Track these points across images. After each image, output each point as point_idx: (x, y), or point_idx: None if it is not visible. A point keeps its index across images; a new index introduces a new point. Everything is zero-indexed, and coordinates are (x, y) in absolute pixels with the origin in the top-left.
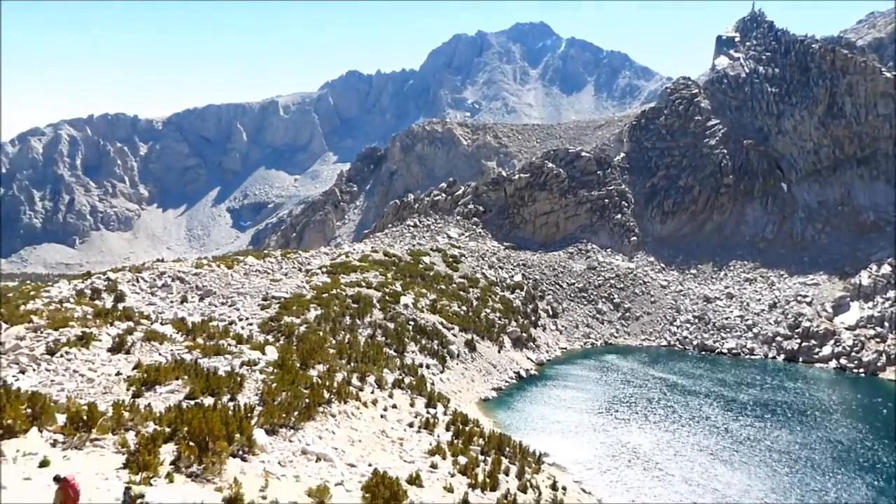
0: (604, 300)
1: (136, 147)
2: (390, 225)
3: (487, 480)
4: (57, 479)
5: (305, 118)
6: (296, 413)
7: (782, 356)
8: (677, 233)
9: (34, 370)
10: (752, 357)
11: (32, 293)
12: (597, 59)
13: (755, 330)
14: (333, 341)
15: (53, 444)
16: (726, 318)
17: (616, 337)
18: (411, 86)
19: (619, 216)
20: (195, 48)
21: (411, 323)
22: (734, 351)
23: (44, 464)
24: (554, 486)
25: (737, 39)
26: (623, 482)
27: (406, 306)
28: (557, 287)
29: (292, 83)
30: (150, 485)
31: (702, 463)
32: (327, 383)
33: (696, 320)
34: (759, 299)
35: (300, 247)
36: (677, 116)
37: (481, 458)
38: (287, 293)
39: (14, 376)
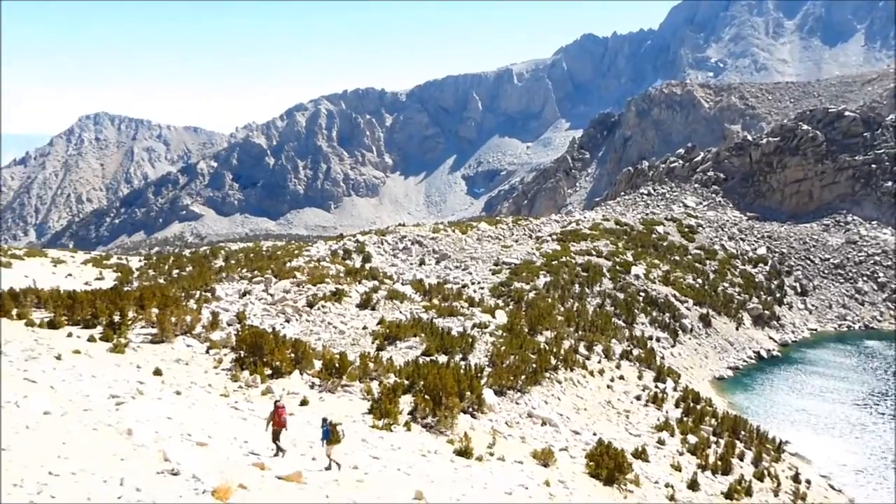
0: (865, 279)
1: (383, 118)
2: (622, 193)
3: (719, 463)
4: (276, 403)
5: (539, 85)
6: (523, 377)
7: None
8: None
9: (297, 320)
10: None
11: (296, 252)
12: (870, 2)
13: None
14: (562, 308)
15: (311, 387)
16: None
17: (879, 321)
18: (649, 46)
19: (889, 184)
20: (435, 20)
21: (642, 294)
22: None
23: (303, 402)
24: (796, 478)
25: None
26: (883, 485)
27: (637, 277)
28: (808, 262)
29: (527, 51)
30: (391, 430)
31: None
32: (554, 350)
33: None
34: None
35: (531, 214)
36: None
37: (713, 439)
38: (517, 259)
39: (281, 324)
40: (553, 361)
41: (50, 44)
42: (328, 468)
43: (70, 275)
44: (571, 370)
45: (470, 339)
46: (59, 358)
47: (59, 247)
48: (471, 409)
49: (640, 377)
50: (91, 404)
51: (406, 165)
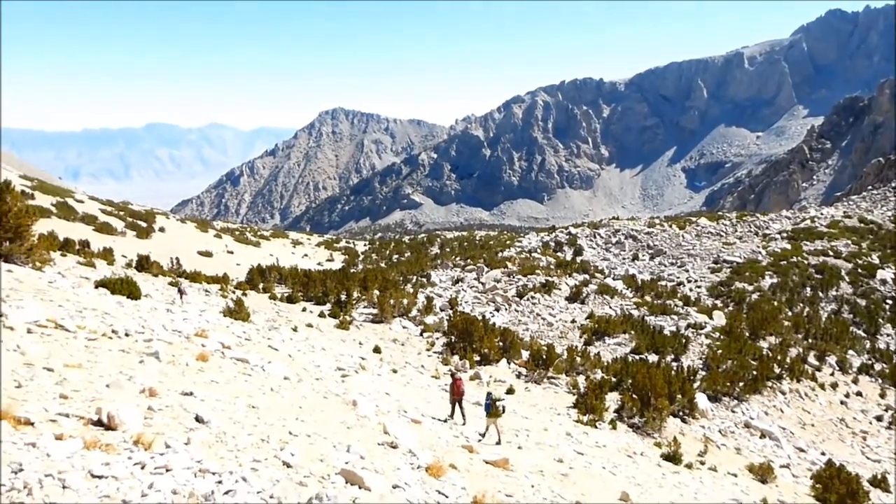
0: None
1: (600, 109)
2: (869, 187)
3: None
4: (452, 374)
5: (773, 69)
6: (741, 384)
7: None
8: None
9: (506, 309)
10: None
11: (508, 242)
12: None
13: None
14: (789, 313)
15: (518, 376)
16: None
17: None
18: None
19: None
20: (657, 7)
21: (888, 301)
22: None
23: (510, 391)
24: None
25: None
26: None
27: (883, 282)
28: None
29: (760, 32)
30: (595, 427)
31: None
32: (779, 357)
33: None
34: None
35: (758, 209)
36: None
37: None
38: (740, 258)
39: (491, 313)
40: (776, 370)
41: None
42: (496, 441)
43: (306, 255)
44: (798, 381)
45: (683, 340)
46: (295, 329)
47: (298, 230)
48: (681, 413)
49: (882, 395)
50: (321, 374)
51: (622, 157)
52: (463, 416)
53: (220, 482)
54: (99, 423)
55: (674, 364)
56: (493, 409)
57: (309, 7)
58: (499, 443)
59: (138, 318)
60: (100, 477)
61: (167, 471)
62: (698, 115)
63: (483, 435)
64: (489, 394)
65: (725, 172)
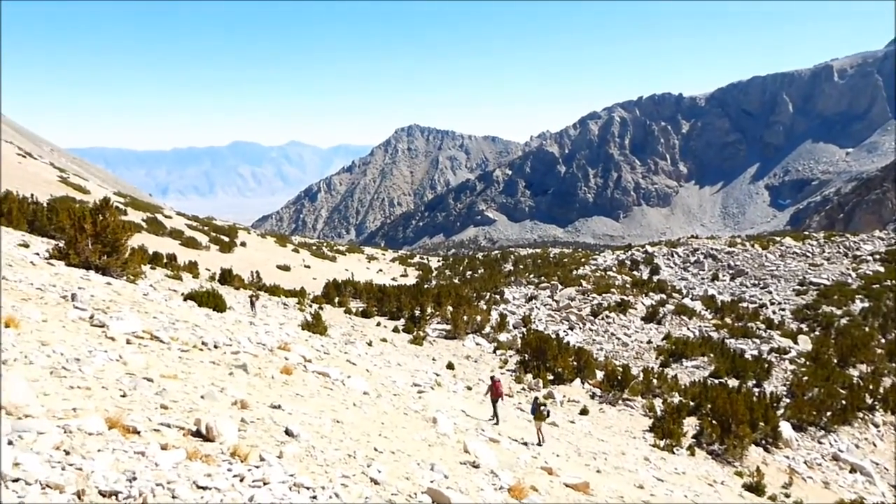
0: None
1: (679, 125)
2: None
3: None
4: (492, 377)
5: (866, 82)
6: (828, 413)
7: None
8: None
9: (580, 328)
10: None
11: (582, 260)
12: None
13: None
14: (882, 340)
15: (592, 396)
16: None
17: None
18: None
19: None
20: (739, 19)
21: None
22: None
23: (583, 412)
24: None
25: None
26: None
27: None
28: None
29: (851, 44)
30: (672, 452)
31: None
32: (871, 387)
33: None
34: None
35: (847, 229)
36: None
37: None
38: (828, 280)
39: (564, 331)
40: (868, 400)
41: (373, 65)
42: (541, 444)
43: (380, 270)
44: (893, 413)
45: (766, 365)
46: (370, 344)
47: (373, 245)
48: (764, 442)
49: None
50: (398, 390)
51: (702, 174)
52: (496, 415)
53: (314, 497)
54: (198, 433)
55: (755, 390)
56: (538, 412)
57: (387, 29)
58: (540, 444)
59: (225, 331)
60: (204, 488)
61: (264, 484)
62: (783, 130)
63: (540, 443)
64: (535, 398)
65: (812, 190)
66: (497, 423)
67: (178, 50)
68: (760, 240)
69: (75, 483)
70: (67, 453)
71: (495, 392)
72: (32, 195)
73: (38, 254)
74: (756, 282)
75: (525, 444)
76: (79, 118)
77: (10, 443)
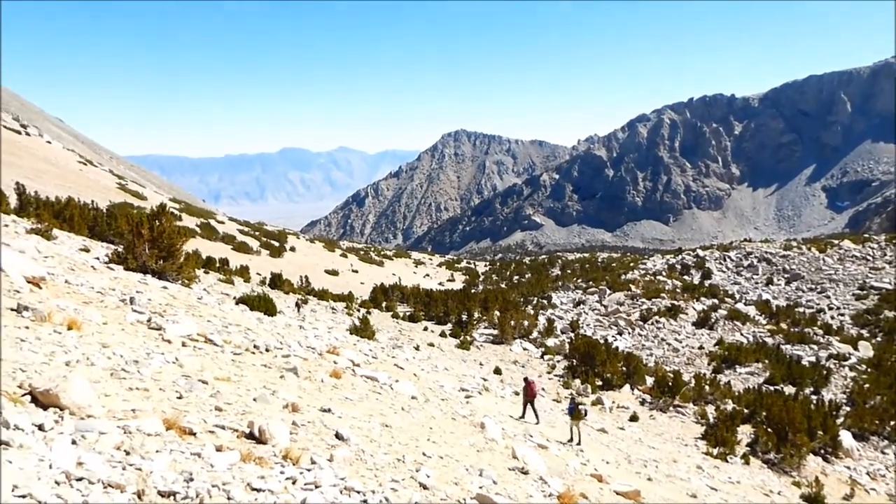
0: None
1: (731, 126)
2: None
3: None
4: (525, 378)
5: None
6: (892, 422)
7: None
8: None
9: (629, 333)
10: None
11: (631, 264)
12: None
13: None
14: None
15: (642, 403)
16: None
17: None
18: None
19: None
20: (793, 17)
21: None
22: None
23: (633, 418)
24: None
25: None
26: None
27: None
28: None
29: None
30: (726, 461)
31: None
32: None
33: None
34: None
35: None
36: None
37: None
38: (889, 284)
39: (613, 336)
40: None
41: (419, 71)
42: (572, 440)
43: (427, 275)
44: None
45: (824, 371)
46: (417, 348)
47: (420, 250)
48: (822, 451)
49: None
50: (446, 394)
51: (755, 176)
52: (536, 415)
53: (364, 500)
54: (251, 436)
55: (813, 397)
56: (576, 412)
57: (434, 33)
58: (579, 443)
59: (276, 335)
60: (258, 490)
61: (316, 487)
62: (841, 130)
63: (570, 439)
64: (571, 398)
65: (872, 192)
66: (538, 423)
67: (232, 61)
68: (817, 243)
69: (135, 483)
70: (128, 453)
71: (529, 392)
72: (93, 201)
73: (98, 258)
74: (813, 286)
75: (565, 442)
76: (137, 128)
77: (73, 442)
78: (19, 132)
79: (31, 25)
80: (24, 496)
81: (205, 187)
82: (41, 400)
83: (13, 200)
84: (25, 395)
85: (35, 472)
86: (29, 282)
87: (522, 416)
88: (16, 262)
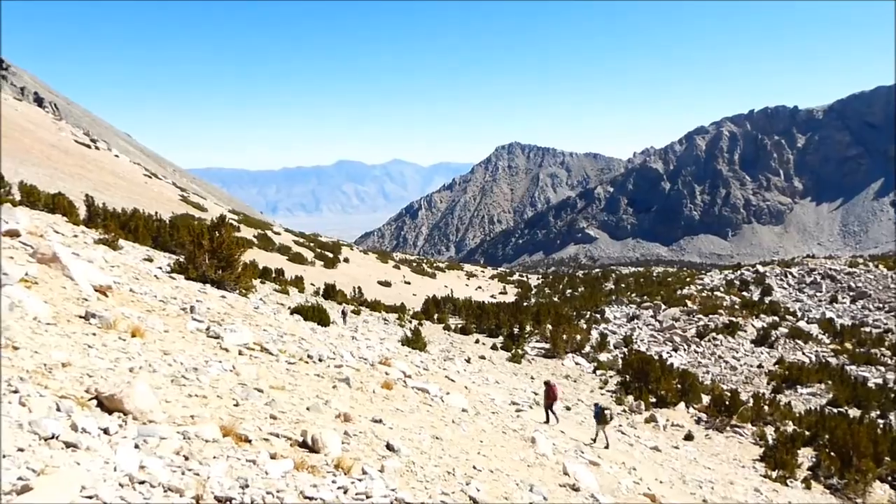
0: None
1: (794, 139)
2: None
3: None
4: (547, 383)
5: None
6: None
7: None
8: None
9: (685, 350)
10: None
11: (688, 279)
12: None
13: None
14: None
15: (697, 422)
16: None
17: None
18: None
19: None
20: (862, 25)
21: None
22: None
23: (688, 437)
24: None
25: None
26: None
27: None
28: None
29: None
30: (786, 485)
31: None
32: None
33: None
34: None
35: None
36: None
37: None
38: None
39: (668, 353)
40: None
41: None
42: (601, 443)
43: (479, 287)
44: None
45: (892, 394)
46: (468, 361)
47: (473, 262)
48: (890, 478)
49: None
50: (497, 408)
51: (819, 190)
52: (556, 417)
53: None
54: (304, 444)
55: (880, 421)
56: (602, 416)
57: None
58: (607, 447)
59: (329, 345)
60: (311, 498)
61: (367, 497)
62: None
63: (594, 440)
64: (596, 403)
65: None
66: (557, 422)
67: (293, 78)
68: (885, 260)
69: (194, 488)
70: (187, 458)
71: (551, 396)
72: (156, 213)
73: (160, 268)
74: (881, 305)
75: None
76: (200, 141)
77: (136, 446)
78: (89, 146)
79: (104, 49)
80: (90, 497)
81: (263, 199)
82: (106, 404)
83: (82, 212)
84: (92, 399)
85: (101, 474)
86: (97, 290)
87: (546, 421)
88: (85, 271)
